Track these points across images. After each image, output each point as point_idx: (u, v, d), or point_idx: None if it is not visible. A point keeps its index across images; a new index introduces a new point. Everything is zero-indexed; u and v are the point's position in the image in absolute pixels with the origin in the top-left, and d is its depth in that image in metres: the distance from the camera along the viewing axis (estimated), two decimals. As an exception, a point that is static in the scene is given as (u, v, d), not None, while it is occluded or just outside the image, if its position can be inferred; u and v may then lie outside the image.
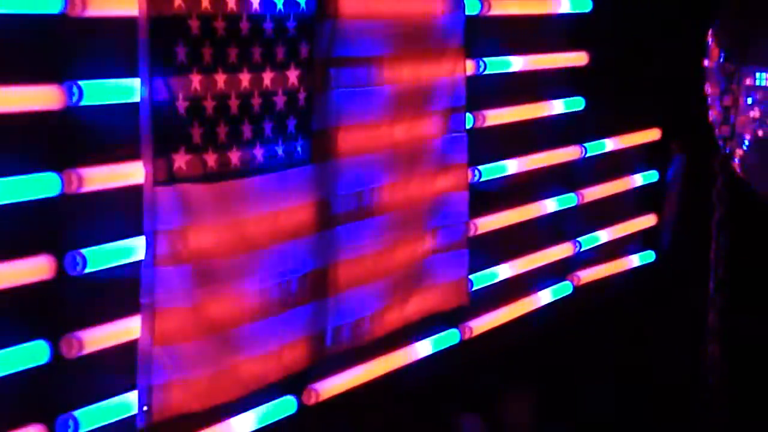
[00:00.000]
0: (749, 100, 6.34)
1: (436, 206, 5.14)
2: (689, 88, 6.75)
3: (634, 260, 6.93)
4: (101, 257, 3.87)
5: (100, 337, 3.90)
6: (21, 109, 3.61)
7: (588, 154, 6.33)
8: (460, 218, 5.28)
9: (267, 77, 4.18)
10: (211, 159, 3.97)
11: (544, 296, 6.18)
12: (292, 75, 4.28)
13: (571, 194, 6.29)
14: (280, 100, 4.25)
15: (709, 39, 6.47)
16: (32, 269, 3.71)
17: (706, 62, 6.49)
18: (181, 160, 3.86)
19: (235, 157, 4.07)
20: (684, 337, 6.67)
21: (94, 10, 3.71)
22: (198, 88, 3.90)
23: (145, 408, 3.88)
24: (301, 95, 4.33)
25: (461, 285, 5.33)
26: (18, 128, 3.64)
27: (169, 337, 3.92)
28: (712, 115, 6.56)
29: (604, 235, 6.64)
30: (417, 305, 5.11)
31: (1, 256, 3.61)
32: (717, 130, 6.53)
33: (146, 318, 3.86)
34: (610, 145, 6.55)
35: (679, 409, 6.43)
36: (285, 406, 4.64)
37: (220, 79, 3.98)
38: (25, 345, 3.70)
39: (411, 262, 5.05)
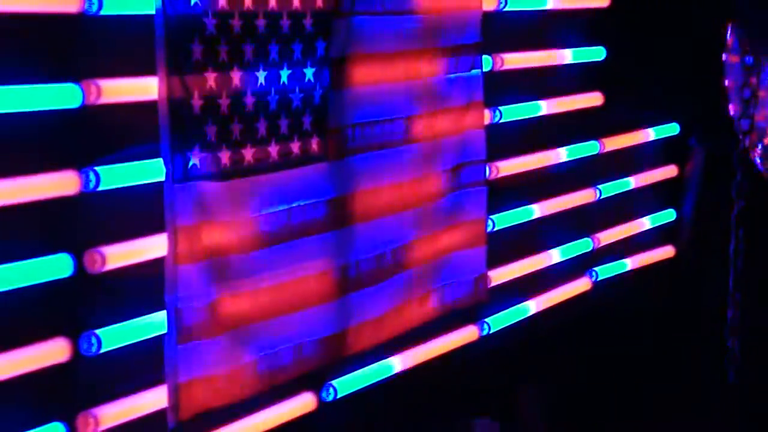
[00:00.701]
0: (768, 94, 6.32)
1: (453, 203, 5.13)
2: (708, 82, 6.73)
3: (653, 256, 6.91)
4: (121, 255, 3.89)
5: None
6: (39, 108, 3.63)
7: (606, 150, 6.31)
8: (479, 214, 5.27)
9: (284, 74, 4.19)
10: (225, 156, 3.98)
11: (564, 292, 6.17)
12: (309, 72, 4.29)
13: (590, 190, 6.28)
14: (296, 98, 4.25)
15: (728, 32, 6.44)
16: (50, 269, 3.73)
17: (724, 56, 6.47)
18: (195, 158, 3.88)
19: (248, 154, 4.08)
20: (703, 333, 6.65)
21: (110, 9, 3.72)
22: (213, 86, 3.91)
23: (173, 406, 3.89)
24: (317, 92, 4.34)
25: (481, 281, 5.32)
26: (36, 128, 3.66)
27: (190, 335, 3.94)
28: (731, 109, 6.54)
29: (623, 231, 6.62)
30: (435, 303, 5.11)
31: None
32: (736, 124, 6.51)
33: (171, 315, 3.88)
34: (628, 140, 6.53)
35: (699, 404, 6.41)
36: (304, 403, 4.65)
37: (236, 76, 3.99)
38: (45, 344, 3.72)
39: (428, 260, 5.04)
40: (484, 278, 5.34)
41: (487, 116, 5.33)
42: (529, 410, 5.95)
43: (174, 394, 3.90)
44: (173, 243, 3.85)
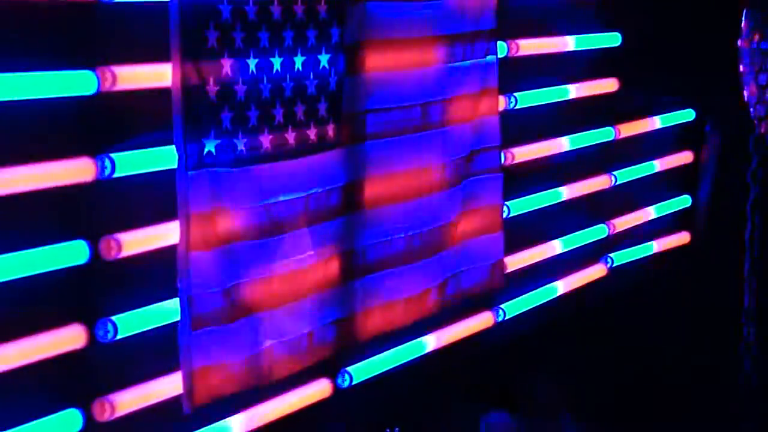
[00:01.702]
0: (784, 79, 6.29)
1: (468, 189, 5.13)
2: (723, 67, 6.69)
3: (669, 242, 6.90)
4: (136, 243, 3.90)
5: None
6: (55, 95, 3.63)
7: (622, 136, 6.30)
8: (495, 200, 5.27)
9: (299, 61, 4.19)
10: (241, 143, 3.99)
11: (579, 278, 6.17)
12: (324, 59, 4.28)
13: (605, 176, 6.26)
14: (311, 84, 4.25)
15: (743, 18, 6.41)
16: (66, 255, 3.74)
17: (740, 41, 6.43)
18: (211, 145, 3.88)
19: (266, 141, 4.08)
20: (719, 320, 6.63)
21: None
22: (229, 72, 3.91)
23: (187, 392, 3.90)
24: (332, 79, 4.33)
25: (497, 268, 5.32)
26: (51, 114, 3.67)
27: (204, 322, 3.94)
28: (747, 94, 6.51)
29: (638, 217, 6.61)
30: (451, 289, 5.11)
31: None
32: (752, 110, 6.48)
33: (184, 302, 3.89)
34: (644, 126, 6.51)
35: (715, 392, 6.40)
36: (320, 389, 4.66)
37: (252, 63, 3.99)
38: (60, 331, 3.73)
39: (443, 246, 5.03)
40: (501, 264, 5.33)
41: (503, 102, 5.32)
42: (547, 400, 5.95)
43: (188, 381, 3.90)
44: (186, 230, 3.85)
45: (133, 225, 3.91)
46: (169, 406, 4.00)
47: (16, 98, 3.52)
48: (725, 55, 6.53)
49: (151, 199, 3.96)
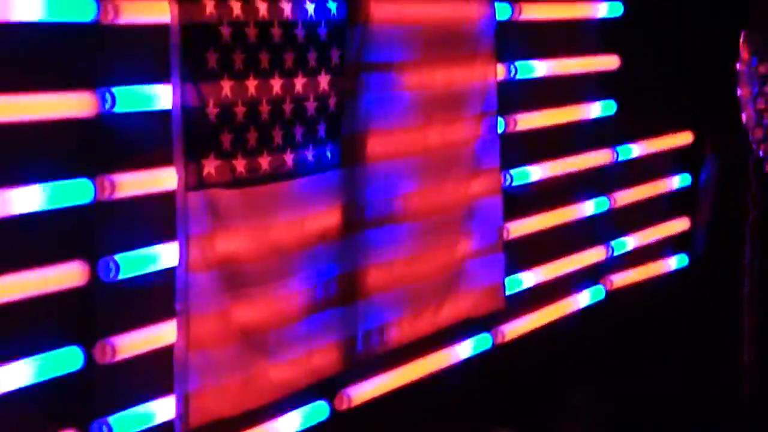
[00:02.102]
0: (782, 103, 6.30)
1: (469, 211, 5.13)
2: (722, 91, 6.71)
3: (668, 264, 6.90)
4: (134, 263, 3.89)
5: (133, 343, 3.92)
6: (54, 116, 3.64)
7: (620, 158, 6.30)
8: (495, 223, 5.27)
9: (298, 83, 4.20)
10: (240, 164, 3.99)
11: (577, 300, 6.16)
12: (323, 80, 4.30)
13: (604, 198, 6.27)
14: (311, 106, 4.26)
15: (741, 42, 6.43)
16: (66, 275, 3.74)
17: (738, 65, 6.45)
18: (210, 166, 3.88)
19: (265, 162, 4.09)
20: (719, 342, 6.62)
21: (126, 18, 3.73)
22: (229, 94, 3.92)
23: (181, 414, 3.89)
24: (332, 100, 4.35)
25: (497, 289, 5.32)
26: (52, 135, 3.67)
27: (202, 343, 3.94)
28: (745, 118, 6.52)
29: (636, 239, 6.61)
30: (451, 310, 5.11)
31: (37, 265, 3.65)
32: (750, 134, 6.49)
33: (181, 324, 3.88)
34: (642, 148, 6.52)
35: (715, 414, 6.38)
36: (317, 411, 4.65)
37: (251, 85, 4.00)
38: (59, 351, 3.73)
39: (443, 268, 5.04)
40: (501, 287, 5.35)
41: (502, 124, 5.33)
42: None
43: (183, 403, 3.89)
44: (185, 250, 3.85)
45: (133, 246, 3.91)
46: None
47: (16, 119, 3.53)
48: (724, 78, 6.55)
49: (149, 220, 3.96)
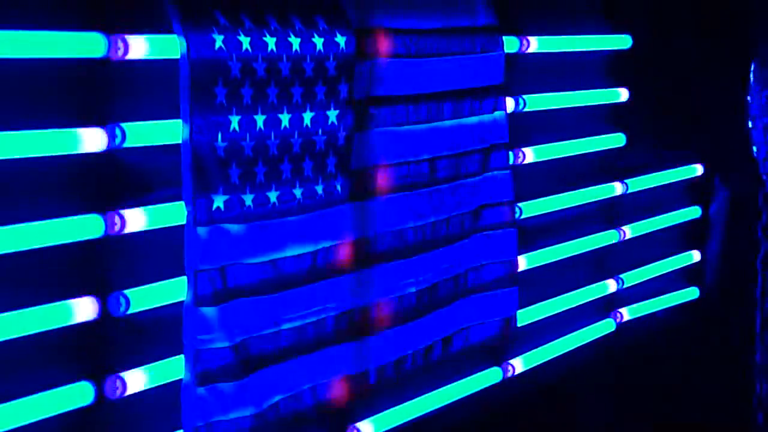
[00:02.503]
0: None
1: (481, 244, 5.13)
2: (731, 123, 6.72)
3: (678, 297, 6.88)
4: (144, 298, 3.90)
5: (143, 378, 3.92)
6: (65, 151, 3.65)
7: (630, 191, 6.31)
8: (509, 255, 5.27)
9: (307, 117, 4.21)
10: (248, 199, 4.00)
11: (587, 333, 6.15)
12: (332, 115, 4.31)
13: (614, 230, 6.27)
14: (319, 140, 4.27)
15: (751, 74, 6.44)
16: (76, 310, 3.74)
17: (748, 97, 6.46)
18: (219, 200, 3.90)
19: (273, 196, 4.10)
20: (730, 375, 6.60)
21: (136, 53, 3.76)
22: (237, 128, 3.94)
23: None
24: (341, 134, 4.36)
25: (509, 322, 5.32)
26: (62, 170, 3.69)
27: (211, 377, 3.93)
28: (755, 150, 6.53)
29: (646, 272, 6.60)
30: (462, 343, 5.10)
31: (47, 300, 3.66)
32: (761, 166, 6.50)
33: (189, 358, 3.88)
34: (651, 181, 6.52)
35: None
36: (327, 445, 4.64)
37: (260, 119, 4.02)
38: (69, 386, 3.73)
39: (453, 300, 5.04)
40: (513, 319, 5.36)
41: (511, 157, 5.34)
42: None
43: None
44: (194, 285, 3.86)
45: (143, 281, 3.91)
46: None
47: (27, 155, 3.55)
48: (734, 109, 6.57)
49: (159, 255, 3.97)
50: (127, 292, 3.84)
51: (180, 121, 3.82)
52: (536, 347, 5.75)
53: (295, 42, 4.11)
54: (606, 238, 6.21)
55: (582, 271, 6.07)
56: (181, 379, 3.94)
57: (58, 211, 3.66)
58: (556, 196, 5.78)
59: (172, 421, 3.97)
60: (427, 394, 5.11)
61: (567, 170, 5.86)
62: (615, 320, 6.36)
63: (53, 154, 3.62)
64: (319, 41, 4.20)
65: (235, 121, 3.93)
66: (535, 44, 5.44)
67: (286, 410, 4.24)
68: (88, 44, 3.65)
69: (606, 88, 6.13)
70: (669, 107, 6.55)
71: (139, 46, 3.77)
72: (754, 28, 6.64)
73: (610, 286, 6.30)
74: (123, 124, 3.77)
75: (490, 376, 5.47)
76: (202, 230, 3.85)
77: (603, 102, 6.11)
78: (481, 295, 5.17)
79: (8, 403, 3.55)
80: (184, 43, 3.76)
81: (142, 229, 3.87)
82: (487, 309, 5.20)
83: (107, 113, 3.77)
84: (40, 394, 3.64)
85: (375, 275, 4.60)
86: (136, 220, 3.84)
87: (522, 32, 5.35)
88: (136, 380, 3.89)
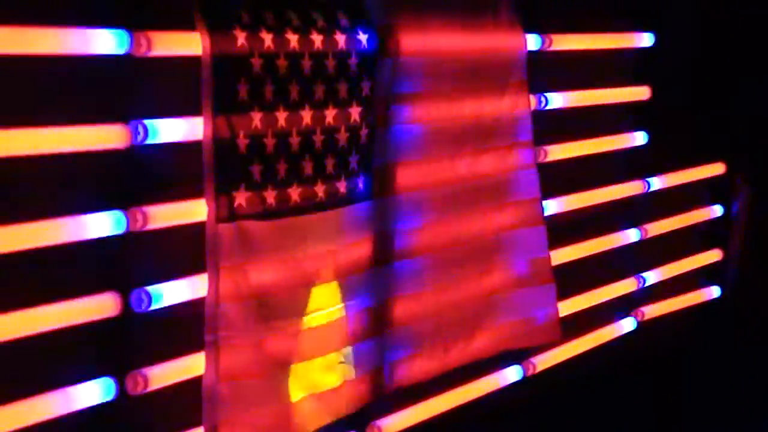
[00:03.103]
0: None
1: (504, 242, 5.11)
2: (754, 121, 6.68)
3: (700, 296, 6.86)
4: (166, 294, 3.90)
5: (165, 374, 3.93)
6: (87, 148, 3.66)
7: (652, 189, 6.28)
8: (539, 253, 5.25)
9: (329, 114, 4.21)
10: (270, 196, 4.00)
11: (609, 332, 6.13)
12: (354, 112, 4.31)
13: (635, 229, 6.24)
14: (342, 137, 4.27)
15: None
16: (99, 307, 3.75)
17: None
18: (241, 198, 3.90)
19: (295, 194, 4.10)
20: (752, 374, 6.57)
21: (158, 50, 3.76)
22: (259, 125, 3.94)
23: None
24: (363, 132, 4.35)
25: (551, 319, 5.30)
26: (84, 167, 3.69)
27: (233, 374, 3.94)
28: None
29: (668, 271, 6.57)
30: (488, 341, 5.07)
31: (69, 296, 3.66)
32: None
33: (211, 355, 3.89)
34: (674, 179, 6.50)
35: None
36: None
37: (282, 116, 4.02)
38: (91, 382, 3.74)
39: (474, 299, 5.02)
40: (555, 316, 5.35)
41: (536, 155, 5.33)
42: None
43: (211, 434, 3.90)
44: (216, 282, 3.86)
45: (164, 278, 3.92)
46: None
47: (49, 152, 3.55)
48: (757, 108, 6.53)
49: (181, 251, 3.97)
50: (149, 288, 3.85)
51: (202, 117, 3.82)
52: (557, 346, 5.74)
53: (317, 39, 4.11)
54: (628, 236, 6.18)
55: (603, 269, 6.05)
56: (201, 376, 3.94)
57: (81, 207, 3.67)
58: (578, 194, 5.76)
59: (194, 418, 3.98)
60: (448, 392, 5.11)
61: (589, 168, 5.84)
62: (636, 319, 6.35)
63: (76, 150, 3.63)
64: (341, 38, 4.20)
65: (257, 118, 3.93)
66: (557, 42, 5.42)
67: (308, 407, 4.24)
68: (111, 41, 3.66)
69: (629, 86, 6.10)
70: (692, 105, 6.52)
71: (161, 43, 3.77)
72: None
73: (632, 284, 6.28)
74: (145, 121, 3.78)
75: (511, 374, 5.46)
76: (223, 227, 3.85)
77: (625, 100, 6.09)
78: (513, 292, 5.15)
79: (31, 399, 3.56)
80: (207, 40, 3.76)
81: (164, 226, 3.88)
82: (523, 307, 5.18)
83: (129, 110, 3.78)
84: (62, 389, 3.65)
85: (395, 272, 4.60)
86: (157, 216, 3.84)
87: (544, 30, 5.34)
88: (158, 376, 3.89)
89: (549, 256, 5.28)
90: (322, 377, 4.31)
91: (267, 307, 4.04)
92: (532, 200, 5.21)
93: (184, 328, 3.98)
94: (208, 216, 3.85)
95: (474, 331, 5.01)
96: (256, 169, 3.95)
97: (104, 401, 3.78)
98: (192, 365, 3.99)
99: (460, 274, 4.91)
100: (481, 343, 5.05)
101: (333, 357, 4.35)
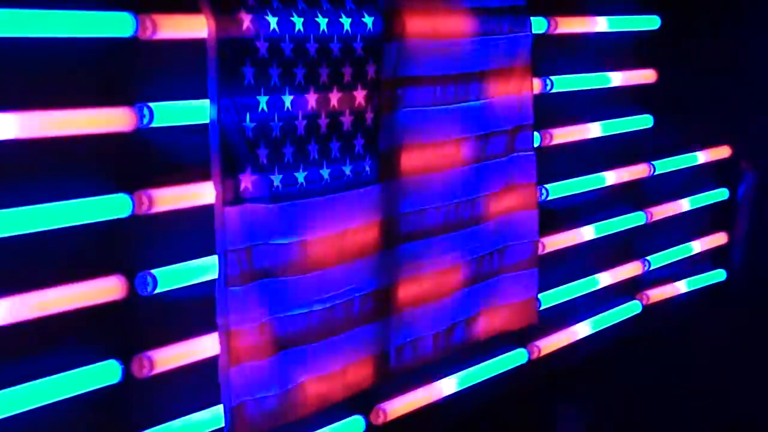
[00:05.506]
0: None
1: (503, 225, 5.12)
2: (759, 105, 6.67)
3: (705, 279, 6.86)
4: (172, 278, 3.91)
5: (171, 357, 3.93)
6: (93, 131, 3.66)
7: (657, 172, 6.28)
8: (530, 237, 5.26)
9: (334, 98, 4.20)
10: (277, 179, 4.00)
11: (613, 316, 6.14)
12: (359, 95, 4.30)
13: (640, 212, 6.24)
14: (347, 120, 4.27)
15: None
16: (104, 290, 3.75)
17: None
18: (247, 181, 3.90)
19: (301, 177, 4.10)
20: (756, 358, 6.57)
21: (164, 33, 3.76)
22: (265, 108, 3.93)
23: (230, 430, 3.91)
24: (368, 115, 4.35)
25: (530, 304, 5.31)
26: (90, 150, 3.70)
27: (240, 357, 3.95)
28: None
29: (673, 254, 6.57)
30: (484, 325, 5.10)
31: (74, 279, 3.67)
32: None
33: (223, 339, 3.89)
34: (679, 163, 6.49)
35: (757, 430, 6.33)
36: (353, 425, 4.65)
37: (287, 99, 4.01)
38: (96, 365, 3.75)
39: (477, 282, 5.03)
40: (534, 301, 5.33)
41: (538, 138, 5.32)
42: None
43: (230, 418, 3.90)
44: (224, 265, 3.87)
45: (170, 261, 3.92)
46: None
47: (54, 134, 3.55)
48: (761, 91, 6.52)
49: (187, 234, 3.97)
50: (154, 271, 3.85)
51: (208, 101, 3.81)
52: (562, 329, 5.75)
53: (323, 22, 4.10)
54: (633, 219, 6.19)
55: (608, 252, 6.05)
56: (207, 359, 3.95)
57: (86, 190, 3.67)
58: (583, 177, 5.76)
59: (200, 400, 3.99)
60: (451, 376, 5.11)
61: (594, 151, 5.84)
62: (641, 302, 6.35)
63: (82, 133, 3.63)
64: (346, 21, 4.19)
65: (263, 102, 3.92)
66: (562, 25, 5.41)
67: (312, 389, 4.25)
68: (117, 23, 3.65)
69: (634, 69, 6.10)
70: (697, 88, 6.51)
71: (167, 26, 3.77)
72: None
73: (637, 268, 6.28)
74: (151, 104, 3.77)
75: (516, 357, 5.47)
76: (230, 210, 3.86)
77: (631, 83, 6.08)
78: (503, 276, 5.16)
79: (36, 381, 3.57)
80: (212, 23, 3.75)
81: (170, 209, 3.88)
82: (510, 291, 5.19)
83: (135, 93, 3.78)
84: (68, 372, 3.66)
85: (401, 255, 4.60)
86: (163, 199, 3.84)
87: (550, 12, 5.33)
88: (164, 359, 3.90)
89: (537, 241, 5.28)
90: (328, 360, 4.31)
91: (274, 290, 4.04)
92: (528, 185, 5.21)
93: (190, 311, 3.99)
94: (215, 199, 3.85)
95: (475, 314, 5.02)
96: (262, 153, 3.95)
97: (110, 384, 3.78)
98: (197, 348, 4.00)
99: (462, 257, 4.91)
100: (481, 326, 5.06)
101: (338, 339, 4.36)
